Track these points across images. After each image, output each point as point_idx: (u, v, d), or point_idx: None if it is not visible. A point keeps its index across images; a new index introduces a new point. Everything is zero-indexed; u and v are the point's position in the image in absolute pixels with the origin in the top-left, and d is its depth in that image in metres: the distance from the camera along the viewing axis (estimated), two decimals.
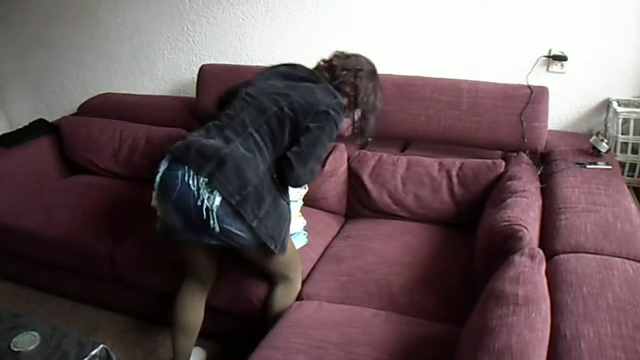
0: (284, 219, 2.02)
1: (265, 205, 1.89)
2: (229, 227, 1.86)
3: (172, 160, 1.93)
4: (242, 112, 2.02)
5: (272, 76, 2.17)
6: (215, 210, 1.82)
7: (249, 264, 2.16)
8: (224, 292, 2.29)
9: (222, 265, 2.24)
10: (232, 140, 1.94)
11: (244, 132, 1.96)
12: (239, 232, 1.88)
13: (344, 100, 2.15)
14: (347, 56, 2.23)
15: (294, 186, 2.08)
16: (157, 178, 1.94)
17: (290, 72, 2.17)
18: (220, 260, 2.22)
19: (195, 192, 1.84)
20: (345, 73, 2.16)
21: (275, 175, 1.99)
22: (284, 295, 2.17)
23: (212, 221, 1.84)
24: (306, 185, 2.37)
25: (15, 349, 1.80)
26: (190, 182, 1.85)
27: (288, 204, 2.06)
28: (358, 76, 2.18)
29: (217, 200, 1.83)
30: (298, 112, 1.98)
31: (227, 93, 2.29)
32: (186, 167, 1.87)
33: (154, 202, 2.00)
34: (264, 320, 2.18)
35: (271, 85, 2.10)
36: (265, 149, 1.97)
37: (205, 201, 1.83)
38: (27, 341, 1.83)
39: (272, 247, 1.94)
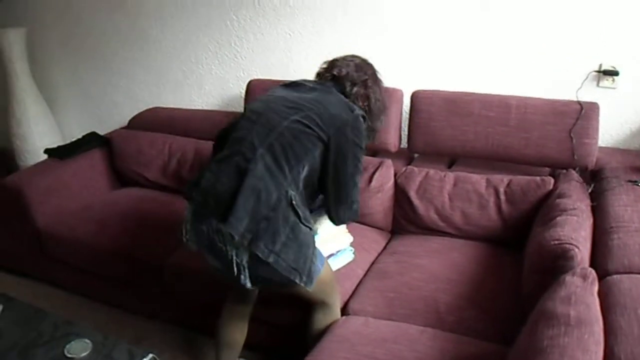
0: (307, 246, 1.85)
1: (281, 237, 1.77)
2: (263, 275, 1.83)
3: (195, 211, 1.90)
4: (250, 133, 1.89)
5: (278, 90, 2.07)
6: (246, 266, 1.79)
7: None
8: (268, 303, 2.31)
9: None
10: (244, 171, 1.81)
11: (254, 157, 1.82)
12: (271, 277, 1.83)
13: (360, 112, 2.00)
14: (347, 64, 2.10)
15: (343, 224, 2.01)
16: (186, 227, 1.95)
17: (299, 83, 2.09)
18: None
19: (224, 247, 1.80)
20: (356, 89, 2.06)
21: (293, 201, 1.81)
22: (322, 321, 2.12)
23: (242, 277, 1.81)
24: None
25: (69, 355, 1.84)
26: (216, 237, 1.81)
27: (311, 228, 1.89)
28: (368, 86, 2.10)
29: (246, 257, 1.78)
30: (314, 126, 1.85)
31: (224, 130, 2.12)
32: (208, 222, 1.83)
33: (192, 247, 1.98)
34: (305, 341, 2.17)
35: (278, 97, 1.99)
36: (278, 171, 1.82)
37: (235, 257, 1.79)
38: (80, 348, 1.87)
39: (297, 280, 1.81)
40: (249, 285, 1.83)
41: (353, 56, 2.17)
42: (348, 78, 2.07)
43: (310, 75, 2.21)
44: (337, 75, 2.08)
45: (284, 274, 1.79)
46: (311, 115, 1.87)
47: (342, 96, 2.02)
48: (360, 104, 2.07)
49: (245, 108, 2.04)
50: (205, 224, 1.84)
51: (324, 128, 1.86)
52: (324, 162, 1.89)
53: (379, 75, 2.19)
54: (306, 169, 1.86)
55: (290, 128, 1.85)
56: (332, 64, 2.13)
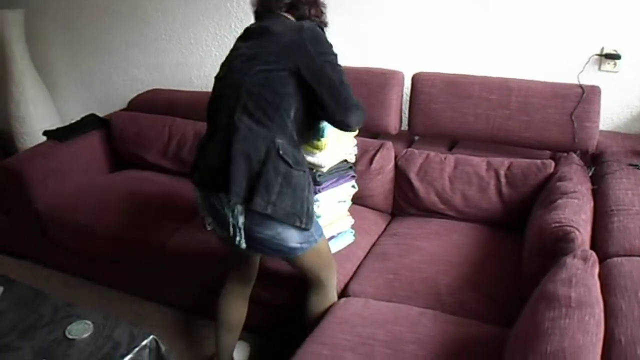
0: (301, 188, 1.85)
1: (275, 188, 1.78)
2: (261, 236, 1.85)
3: (201, 192, 1.98)
4: (221, 102, 1.91)
5: (236, 46, 1.99)
6: (241, 227, 1.83)
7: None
8: (267, 285, 2.33)
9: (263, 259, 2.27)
10: (228, 141, 1.81)
11: (232, 123, 1.82)
12: (270, 239, 1.86)
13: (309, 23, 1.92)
14: None
15: (357, 129, 1.97)
16: (200, 204, 2.01)
17: (251, 29, 1.99)
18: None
19: (222, 211, 1.87)
20: (306, 6, 1.99)
21: (280, 151, 1.80)
22: (318, 303, 2.13)
23: (237, 237, 1.85)
24: (355, 185, 2.38)
25: (70, 337, 1.85)
26: (218, 206, 1.88)
27: (304, 171, 1.88)
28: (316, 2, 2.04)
29: (241, 218, 1.82)
30: (276, 65, 1.81)
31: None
32: (212, 192, 1.90)
33: (209, 227, 2.05)
34: (302, 321, 2.19)
35: (235, 56, 1.94)
36: (260, 127, 1.81)
37: (231, 220, 1.83)
38: (81, 329, 1.88)
39: (298, 223, 1.83)
40: (243, 245, 1.86)
41: None
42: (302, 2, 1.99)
43: None
44: (292, 2, 1.98)
45: (284, 220, 1.81)
46: (267, 57, 1.83)
47: (286, 19, 1.96)
48: (314, 13, 2.01)
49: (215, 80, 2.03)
50: (209, 196, 1.91)
51: (286, 60, 1.81)
52: (306, 87, 1.84)
53: None
54: (293, 109, 1.85)
55: (254, 81, 1.82)
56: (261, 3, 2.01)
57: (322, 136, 2.06)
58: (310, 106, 1.87)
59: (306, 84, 1.82)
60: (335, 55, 1.89)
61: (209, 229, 2.07)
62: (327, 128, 2.05)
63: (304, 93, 1.84)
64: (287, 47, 1.82)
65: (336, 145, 2.19)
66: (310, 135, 2.06)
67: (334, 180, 2.25)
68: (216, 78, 2.00)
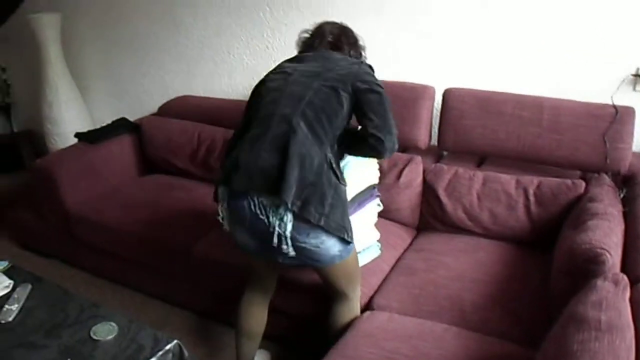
0: (347, 203, 1.95)
1: (328, 200, 1.82)
2: (303, 245, 1.85)
3: (231, 192, 1.91)
4: (277, 108, 1.91)
5: (285, 66, 2.09)
6: (289, 236, 1.82)
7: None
8: (289, 295, 2.33)
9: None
10: (284, 142, 1.83)
11: (290, 127, 1.84)
12: (313, 248, 1.86)
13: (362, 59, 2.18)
14: (333, 31, 2.20)
15: (389, 156, 2.02)
16: (223, 211, 1.97)
17: (300, 57, 2.14)
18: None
19: (266, 221, 1.83)
20: (347, 47, 2.19)
21: (333, 164, 1.89)
22: (342, 315, 2.13)
23: (284, 246, 1.84)
24: (380, 203, 2.36)
25: (95, 337, 1.87)
26: (258, 211, 1.84)
27: (345, 185, 1.96)
28: (358, 45, 2.24)
29: (289, 226, 1.81)
30: (337, 86, 1.92)
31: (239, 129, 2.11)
32: (249, 197, 1.85)
33: (226, 227, 2.02)
34: (324, 333, 2.18)
35: (292, 72, 2.01)
36: (315, 137, 1.86)
37: (277, 228, 1.82)
38: (105, 331, 1.90)
39: (346, 236, 1.87)
40: (292, 253, 1.85)
41: (331, 23, 2.25)
42: (342, 41, 2.18)
43: None
44: (332, 42, 2.17)
45: (335, 234, 1.85)
46: (329, 77, 1.94)
47: (340, 54, 2.12)
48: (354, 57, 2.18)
49: (254, 93, 2.08)
50: (246, 200, 1.86)
51: (345, 84, 1.93)
52: (356, 107, 1.96)
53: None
54: (341, 129, 1.96)
55: (317, 94, 1.91)
56: (321, 33, 2.19)
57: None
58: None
59: (360, 107, 1.94)
60: (382, 87, 1.99)
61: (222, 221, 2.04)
62: (347, 166, 2.10)
63: (354, 110, 1.97)
64: (349, 72, 1.96)
65: (357, 178, 2.19)
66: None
67: (357, 204, 2.21)
68: (268, 88, 2.01)
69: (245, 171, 1.85)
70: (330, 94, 1.91)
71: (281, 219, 1.81)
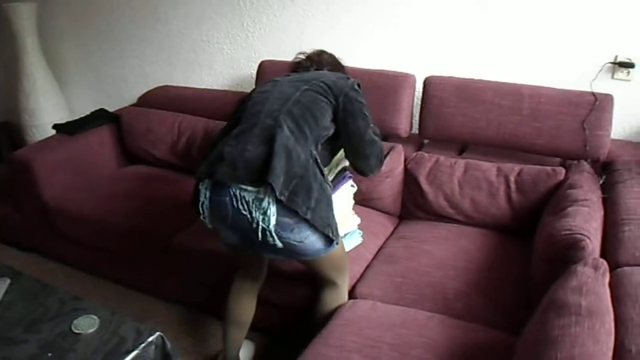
0: (332, 202, 1.94)
1: (314, 194, 1.83)
2: (287, 240, 1.84)
3: (213, 187, 1.88)
4: (265, 106, 1.96)
5: (277, 78, 2.15)
6: (273, 230, 1.80)
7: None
8: (275, 285, 2.33)
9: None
10: (270, 135, 1.85)
11: (277, 122, 1.87)
12: (297, 243, 1.85)
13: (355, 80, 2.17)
14: (320, 61, 2.31)
15: (375, 174, 2.19)
16: (204, 207, 1.91)
17: (292, 72, 2.26)
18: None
19: (249, 216, 1.81)
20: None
21: (318, 160, 1.91)
22: (329, 303, 2.14)
23: (270, 238, 1.82)
24: (353, 184, 2.34)
25: (76, 331, 1.85)
26: (240, 206, 1.82)
27: (330, 186, 1.98)
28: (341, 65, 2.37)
29: (272, 220, 1.78)
30: (323, 92, 1.99)
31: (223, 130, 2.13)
32: (231, 191, 1.83)
33: (209, 226, 1.99)
34: (311, 321, 2.19)
35: (282, 79, 2.12)
36: (301, 133, 1.89)
37: (261, 223, 1.80)
38: (87, 324, 1.88)
39: (331, 234, 1.87)
40: (279, 245, 1.84)
41: (329, 54, 2.38)
42: (326, 62, 2.32)
43: None
44: (322, 61, 2.30)
45: (320, 230, 1.85)
46: (318, 84, 2.01)
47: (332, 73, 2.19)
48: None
49: (243, 99, 2.13)
50: (228, 195, 1.84)
51: (331, 93, 2.00)
52: (336, 123, 2.04)
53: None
54: (331, 130, 2.03)
55: (303, 95, 1.97)
56: (318, 61, 2.30)
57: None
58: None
59: (338, 119, 2.02)
60: (368, 107, 2.08)
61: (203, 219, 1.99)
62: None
63: (336, 125, 2.04)
64: (334, 85, 2.02)
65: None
66: None
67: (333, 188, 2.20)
68: (257, 91, 2.10)
69: (230, 163, 1.84)
70: (316, 97, 1.98)
71: (264, 213, 1.79)
